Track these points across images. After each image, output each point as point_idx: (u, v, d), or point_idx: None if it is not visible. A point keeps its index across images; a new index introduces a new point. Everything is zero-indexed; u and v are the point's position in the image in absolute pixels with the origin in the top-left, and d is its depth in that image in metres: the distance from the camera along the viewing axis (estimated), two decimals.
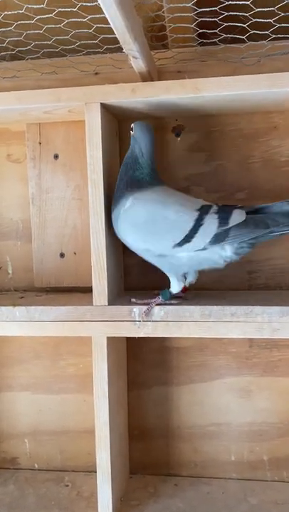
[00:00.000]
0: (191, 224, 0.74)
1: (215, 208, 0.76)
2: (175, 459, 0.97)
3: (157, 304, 0.77)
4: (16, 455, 1.03)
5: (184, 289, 0.81)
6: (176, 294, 0.79)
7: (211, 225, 0.74)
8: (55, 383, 1.00)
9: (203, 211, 0.75)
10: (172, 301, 0.79)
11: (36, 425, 1.02)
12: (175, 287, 0.78)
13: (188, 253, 0.76)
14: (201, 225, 0.74)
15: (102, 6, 0.54)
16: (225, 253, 0.76)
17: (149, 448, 0.98)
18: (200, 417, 0.96)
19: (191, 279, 0.81)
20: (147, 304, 0.78)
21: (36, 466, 1.02)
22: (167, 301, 0.78)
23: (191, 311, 0.76)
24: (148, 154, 0.79)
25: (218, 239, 0.74)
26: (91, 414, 0.82)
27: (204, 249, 0.74)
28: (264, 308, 0.74)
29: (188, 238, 0.74)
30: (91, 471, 0.98)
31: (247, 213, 0.75)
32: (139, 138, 0.79)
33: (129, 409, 0.97)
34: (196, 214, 0.75)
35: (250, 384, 0.93)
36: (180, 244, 0.75)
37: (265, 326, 0.75)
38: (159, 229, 0.76)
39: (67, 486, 0.96)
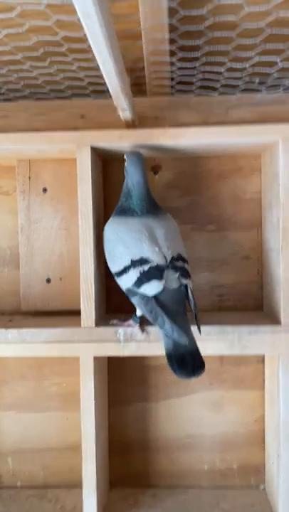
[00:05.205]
0: (121, 267, 0.82)
1: (145, 267, 0.79)
2: (153, 470, 1.03)
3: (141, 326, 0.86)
4: None
5: None
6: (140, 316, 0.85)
7: (128, 279, 0.81)
8: (39, 402, 1.04)
9: (136, 263, 0.80)
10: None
11: (19, 443, 1.05)
12: (138, 311, 0.85)
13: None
14: (126, 272, 0.81)
15: (104, 74, 0.64)
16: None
17: (129, 461, 1.04)
18: (176, 430, 1.03)
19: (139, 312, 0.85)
20: (128, 326, 0.86)
21: (19, 483, 1.05)
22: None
23: None
24: (138, 187, 0.85)
25: (128, 294, 0.82)
26: (73, 431, 0.86)
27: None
28: (234, 327, 0.85)
29: (119, 274, 0.82)
30: (73, 486, 1.02)
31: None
32: (130, 172, 0.85)
33: (110, 425, 1.03)
34: (128, 262, 0.81)
35: (221, 398, 1.03)
36: (116, 275, 0.83)
37: (235, 344, 0.85)
38: (110, 253, 0.85)
39: (50, 501, 1.00)
